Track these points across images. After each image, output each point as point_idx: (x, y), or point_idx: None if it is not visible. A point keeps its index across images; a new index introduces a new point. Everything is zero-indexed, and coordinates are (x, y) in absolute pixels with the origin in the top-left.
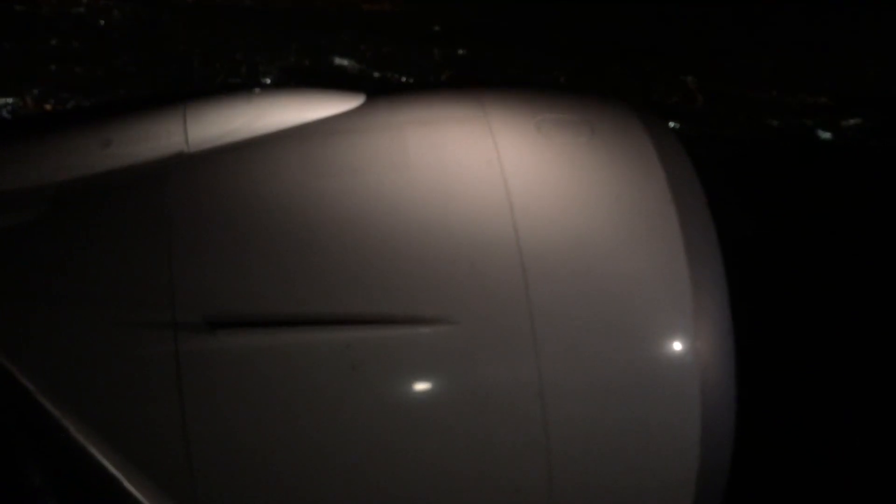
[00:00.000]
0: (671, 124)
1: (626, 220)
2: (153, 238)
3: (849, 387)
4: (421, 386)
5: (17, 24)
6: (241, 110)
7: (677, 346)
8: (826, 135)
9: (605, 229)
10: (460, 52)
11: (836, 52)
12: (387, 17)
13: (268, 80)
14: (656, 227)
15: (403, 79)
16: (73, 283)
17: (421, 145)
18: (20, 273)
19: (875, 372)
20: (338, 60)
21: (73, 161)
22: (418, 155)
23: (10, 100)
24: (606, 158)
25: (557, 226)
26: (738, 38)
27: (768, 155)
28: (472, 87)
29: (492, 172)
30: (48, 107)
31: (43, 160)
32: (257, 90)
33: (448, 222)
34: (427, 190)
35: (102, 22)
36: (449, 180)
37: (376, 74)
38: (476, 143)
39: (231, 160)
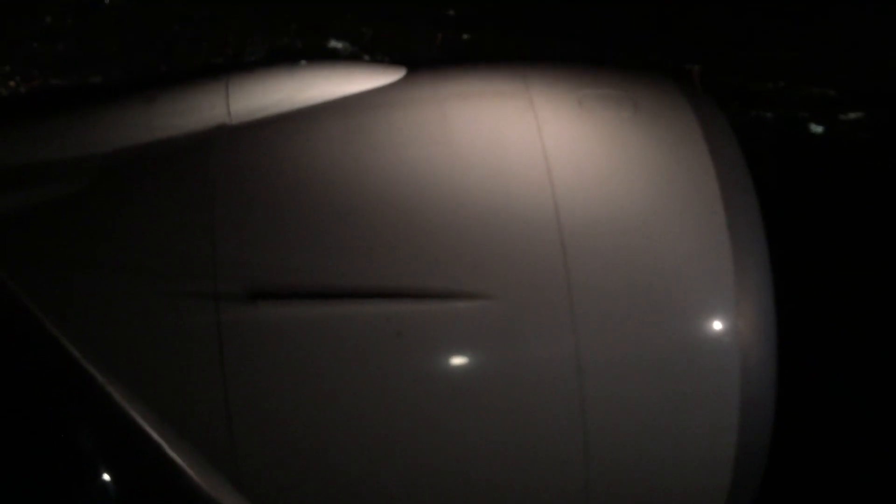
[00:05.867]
0: None
1: (669, 197)
2: (195, 209)
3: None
4: (457, 360)
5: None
6: (283, 83)
7: (718, 325)
8: (818, 128)
9: (646, 206)
10: (465, 36)
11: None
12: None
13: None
14: (699, 206)
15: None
16: (117, 252)
17: (462, 119)
18: (66, 242)
19: None
20: (332, 43)
21: (117, 132)
22: (459, 129)
23: None
24: (650, 135)
25: (598, 202)
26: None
27: (750, 145)
28: (513, 61)
29: (533, 147)
30: (12, 84)
31: (87, 131)
32: (303, 62)
33: (487, 197)
34: (467, 164)
35: (107, 0)
36: (489, 155)
37: (366, 58)
38: (517, 117)
39: (273, 132)
